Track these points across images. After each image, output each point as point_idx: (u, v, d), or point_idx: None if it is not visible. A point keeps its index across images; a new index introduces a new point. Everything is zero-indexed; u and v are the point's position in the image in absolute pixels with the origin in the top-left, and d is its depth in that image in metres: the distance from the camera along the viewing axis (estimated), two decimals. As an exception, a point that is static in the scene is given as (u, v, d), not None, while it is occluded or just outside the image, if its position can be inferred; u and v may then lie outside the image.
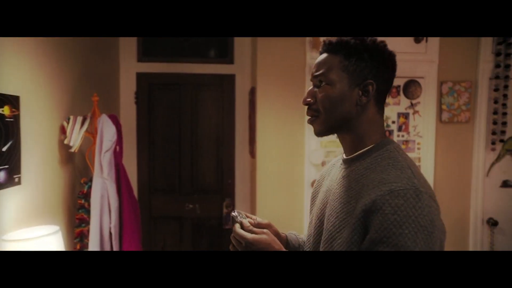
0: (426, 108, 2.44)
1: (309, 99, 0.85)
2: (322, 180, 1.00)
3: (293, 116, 2.40)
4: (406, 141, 2.46)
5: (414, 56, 2.41)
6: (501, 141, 2.48)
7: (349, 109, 0.82)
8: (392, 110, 2.44)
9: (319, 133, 0.87)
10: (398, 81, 2.42)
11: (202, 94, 2.97)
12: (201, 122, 2.98)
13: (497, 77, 2.45)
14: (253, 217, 0.94)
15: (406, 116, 2.45)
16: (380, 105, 0.85)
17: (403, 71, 2.41)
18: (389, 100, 2.43)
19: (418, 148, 2.46)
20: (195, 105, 2.97)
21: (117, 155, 2.05)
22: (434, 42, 2.40)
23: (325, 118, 0.83)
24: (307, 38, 2.35)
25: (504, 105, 2.46)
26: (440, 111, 2.44)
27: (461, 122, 2.46)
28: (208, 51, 3.04)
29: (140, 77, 2.92)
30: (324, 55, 0.85)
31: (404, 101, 2.44)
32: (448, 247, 0.79)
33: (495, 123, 2.47)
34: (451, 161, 2.48)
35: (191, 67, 2.90)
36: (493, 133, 2.48)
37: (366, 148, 0.83)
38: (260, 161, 2.41)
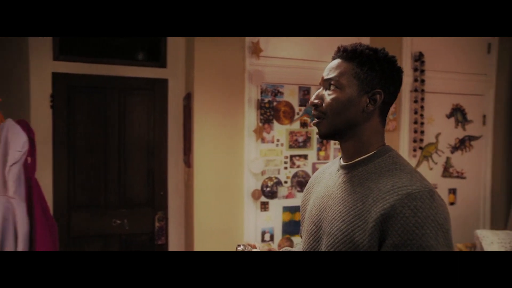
0: (359, 117, 2.54)
1: (316, 101, 0.87)
2: (311, 187, 1.01)
3: (232, 123, 2.31)
4: (341, 149, 2.53)
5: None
6: (420, 148, 2.69)
7: (355, 115, 0.84)
8: (328, 118, 2.49)
9: (324, 135, 0.88)
10: (333, 91, 2.49)
11: (131, 99, 2.72)
12: (130, 129, 2.73)
13: (415, 90, 2.67)
14: (256, 245, 0.99)
15: (341, 124, 2.52)
16: (383, 117, 0.88)
17: (338, 81, 2.48)
18: (325, 108, 2.48)
19: (352, 156, 2.55)
20: (123, 111, 2.70)
21: (29, 168, 1.74)
22: (365, 54, 2.51)
23: (331, 121, 0.84)
24: (247, 44, 2.29)
25: (421, 115, 2.69)
26: (371, 120, 2.57)
27: (390, 131, 2.61)
28: (138, 53, 2.81)
29: (57, 78, 2.57)
30: (337, 61, 0.87)
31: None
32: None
33: (415, 131, 2.68)
34: (381, 167, 2.62)
35: (119, 70, 2.64)
36: (414, 140, 2.68)
37: (369, 154, 0.85)
38: (198, 171, 2.27)
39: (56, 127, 2.57)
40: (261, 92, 2.35)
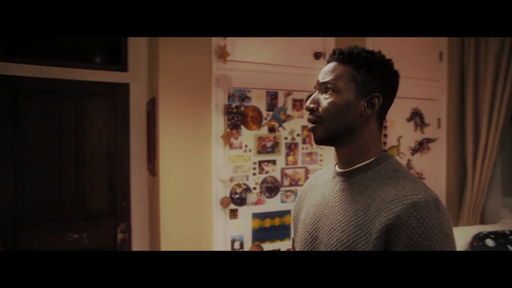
0: (325, 121, 2.57)
1: (312, 105, 0.84)
2: (304, 195, 0.98)
3: (199, 129, 2.23)
4: (310, 153, 2.54)
5: (315, 72, 2.52)
6: (384, 151, 2.77)
7: (353, 119, 0.81)
8: (296, 123, 2.50)
9: (320, 140, 0.84)
10: (301, 95, 2.50)
11: (90, 105, 2.55)
12: (89, 137, 2.56)
13: (379, 94, 2.75)
14: None
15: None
16: (380, 121, 0.86)
17: (305, 86, 2.49)
18: (293, 113, 2.48)
19: (321, 160, 2.57)
20: (81, 117, 2.52)
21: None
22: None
23: (328, 126, 0.82)
24: (213, 47, 2.23)
25: (385, 119, 2.77)
26: (337, 124, 2.61)
27: (354, 134, 2.67)
28: (97, 55, 2.65)
29: (2, 81, 2.34)
30: (333, 64, 0.84)
31: (307, 114, 2.52)
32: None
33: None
34: (347, 171, 2.66)
35: (75, 73, 2.47)
36: (379, 144, 2.76)
37: (368, 161, 0.82)
38: (164, 179, 2.17)
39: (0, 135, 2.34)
40: (229, 97, 2.30)
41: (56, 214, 2.47)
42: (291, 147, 2.49)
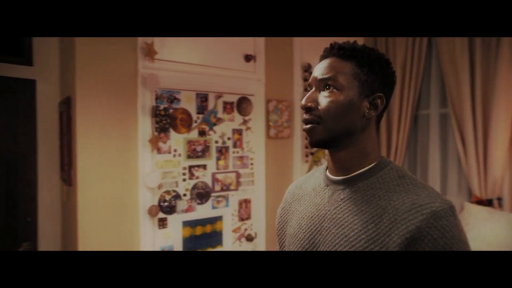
0: (257, 124, 2.56)
1: (310, 103, 0.75)
2: (288, 206, 0.89)
3: (124, 133, 2.03)
4: (241, 157, 2.50)
5: (245, 74, 2.49)
6: (311, 154, 2.88)
7: (355, 121, 0.74)
8: (227, 126, 2.44)
9: (318, 142, 0.76)
10: (232, 98, 2.44)
11: (-16, 103, 2.15)
12: (-17, 141, 2.15)
13: (306, 98, 2.84)
14: None
15: (240, 132, 2.49)
16: (378, 123, 0.79)
17: (236, 88, 2.45)
18: (224, 116, 2.42)
19: (251, 164, 2.55)
20: (-29, 118, 2.11)
21: None
22: (261, 62, 2.56)
23: (328, 127, 0.74)
24: (139, 44, 2.05)
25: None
26: (268, 127, 2.62)
27: (284, 138, 2.71)
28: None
29: None
30: (332, 59, 0.77)
31: (238, 118, 2.48)
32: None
33: (306, 138, 2.85)
34: (277, 174, 2.69)
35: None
36: (306, 147, 2.85)
37: (369, 167, 0.75)
38: (82, 189, 1.92)
39: None
40: (156, 98, 2.15)
41: None
42: (222, 151, 2.43)
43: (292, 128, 2.76)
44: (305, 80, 2.81)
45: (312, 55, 2.84)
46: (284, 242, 0.87)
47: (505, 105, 2.49)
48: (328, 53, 0.78)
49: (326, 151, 0.81)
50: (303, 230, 0.79)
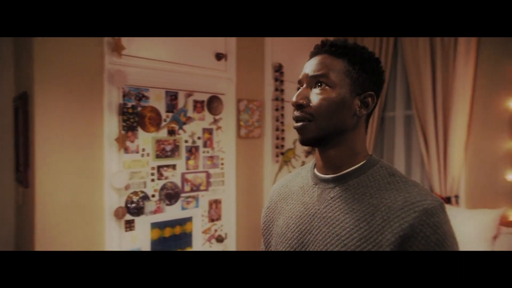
0: (228, 124, 2.53)
1: (302, 101, 0.74)
2: (274, 205, 0.87)
3: (88, 131, 1.93)
4: (211, 157, 2.46)
5: (216, 73, 2.45)
6: (282, 154, 2.89)
7: (346, 119, 0.74)
8: (197, 125, 2.38)
9: (309, 140, 0.75)
10: (202, 96, 2.40)
11: None
12: None
13: (276, 99, 2.85)
14: None
15: (210, 131, 2.45)
16: (367, 122, 0.80)
17: (206, 87, 2.41)
18: (194, 115, 2.36)
19: (222, 164, 2.51)
20: None
21: None
22: (232, 61, 2.53)
23: (320, 124, 0.73)
24: (106, 39, 1.96)
25: (282, 123, 2.89)
26: (238, 127, 2.59)
27: (255, 137, 2.70)
28: None
29: None
30: (324, 56, 0.76)
31: (208, 117, 2.43)
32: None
33: (277, 138, 2.86)
34: (248, 174, 2.67)
35: None
36: (276, 147, 2.85)
37: (358, 165, 0.75)
38: (41, 191, 1.80)
39: None
40: (124, 96, 2.06)
41: None
42: (192, 151, 2.37)
43: (263, 128, 2.75)
44: (276, 80, 2.82)
45: (283, 55, 2.85)
46: (270, 242, 0.86)
47: (462, 107, 2.63)
48: (319, 50, 0.77)
49: (316, 150, 0.80)
50: (291, 229, 0.78)
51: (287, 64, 2.86)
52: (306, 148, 3.06)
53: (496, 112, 2.58)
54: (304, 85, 0.77)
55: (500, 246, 2.30)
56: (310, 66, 0.76)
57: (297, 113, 0.75)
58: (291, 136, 2.95)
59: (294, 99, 0.75)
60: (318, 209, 0.76)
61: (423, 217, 0.64)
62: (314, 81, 0.75)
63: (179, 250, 2.29)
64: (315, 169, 0.82)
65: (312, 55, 0.79)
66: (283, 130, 2.86)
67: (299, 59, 2.95)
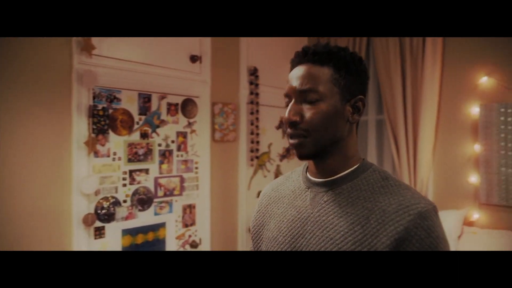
0: (202, 127, 2.49)
1: (295, 117, 0.72)
2: (264, 208, 0.86)
3: (55, 134, 1.84)
4: (185, 161, 2.41)
5: (191, 75, 2.42)
6: (256, 157, 2.88)
7: (341, 128, 0.74)
8: (171, 128, 2.33)
9: (307, 156, 0.74)
10: (176, 99, 2.35)
11: None
12: None
13: (251, 102, 2.85)
14: None
15: (184, 135, 2.41)
16: (357, 125, 0.80)
17: (181, 89, 2.37)
18: (168, 118, 2.31)
19: (196, 168, 2.47)
20: None
21: None
22: (206, 63, 2.50)
23: (316, 139, 0.72)
24: (75, 37, 1.88)
25: (257, 126, 2.88)
26: (213, 130, 2.56)
27: (230, 141, 2.67)
28: None
29: None
30: (308, 66, 0.73)
31: (183, 120, 2.39)
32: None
33: (252, 142, 2.85)
34: (223, 178, 2.64)
35: None
36: (251, 151, 2.84)
37: (352, 169, 0.76)
38: (3, 196, 1.69)
39: None
40: (94, 97, 1.98)
41: None
42: (165, 155, 2.32)
43: (238, 131, 2.74)
44: (251, 83, 2.81)
45: (259, 58, 2.86)
46: (260, 246, 0.84)
47: (430, 112, 2.74)
48: (302, 59, 0.75)
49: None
50: (283, 233, 0.77)
51: (262, 67, 2.86)
52: (280, 151, 3.07)
53: (460, 118, 2.70)
54: (293, 100, 0.74)
55: (463, 245, 2.39)
56: (296, 79, 0.74)
57: (291, 131, 0.74)
58: (266, 139, 2.95)
59: (286, 115, 0.73)
60: (311, 213, 0.75)
61: (417, 220, 0.64)
62: (303, 95, 0.73)
63: (151, 257, 2.22)
64: (308, 173, 0.82)
65: (294, 64, 0.77)
66: (258, 134, 2.85)
67: (275, 62, 2.97)
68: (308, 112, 0.72)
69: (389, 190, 0.71)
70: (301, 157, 0.75)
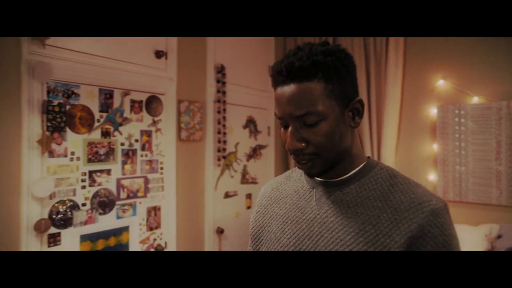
0: (167, 126, 2.38)
1: (299, 144, 0.68)
2: (264, 209, 0.82)
3: (3, 132, 1.66)
4: (150, 161, 2.29)
5: (156, 72, 2.30)
6: (223, 157, 2.81)
7: (346, 136, 0.72)
8: (135, 127, 2.20)
9: (318, 174, 0.72)
10: (140, 96, 2.23)
11: None
12: None
13: (218, 101, 2.77)
14: None
15: (149, 133, 2.28)
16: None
17: (145, 86, 2.25)
18: (131, 116, 2.18)
19: (161, 168, 2.35)
20: None
21: None
22: (172, 59, 2.40)
23: (326, 157, 0.70)
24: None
25: (224, 125, 2.82)
26: (179, 129, 2.46)
27: (196, 141, 2.58)
28: None
29: None
30: (296, 85, 0.66)
31: (147, 118, 2.27)
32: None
33: (219, 141, 2.78)
34: (189, 178, 2.54)
35: None
36: (218, 150, 2.77)
37: (358, 168, 0.74)
38: None
39: None
40: (48, 92, 1.81)
41: None
42: (129, 154, 2.18)
43: (205, 130, 2.65)
44: (218, 81, 2.74)
45: (226, 56, 2.79)
46: (260, 248, 0.80)
47: (393, 113, 2.83)
48: (285, 77, 0.67)
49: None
50: (287, 235, 0.74)
51: (229, 65, 2.80)
52: (247, 151, 3.03)
53: (421, 118, 2.81)
54: (291, 126, 0.69)
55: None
56: (288, 103, 0.67)
57: (299, 156, 0.70)
58: (233, 139, 2.89)
59: (289, 143, 0.69)
60: (318, 214, 0.72)
61: (430, 218, 0.63)
62: (301, 120, 0.68)
63: (113, 263, 2.08)
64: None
65: (279, 82, 0.69)
66: (224, 133, 2.79)
67: (242, 61, 2.92)
68: (311, 135, 0.68)
69: (398, 188, 0.70)
70: (312, 175, 0.73)
